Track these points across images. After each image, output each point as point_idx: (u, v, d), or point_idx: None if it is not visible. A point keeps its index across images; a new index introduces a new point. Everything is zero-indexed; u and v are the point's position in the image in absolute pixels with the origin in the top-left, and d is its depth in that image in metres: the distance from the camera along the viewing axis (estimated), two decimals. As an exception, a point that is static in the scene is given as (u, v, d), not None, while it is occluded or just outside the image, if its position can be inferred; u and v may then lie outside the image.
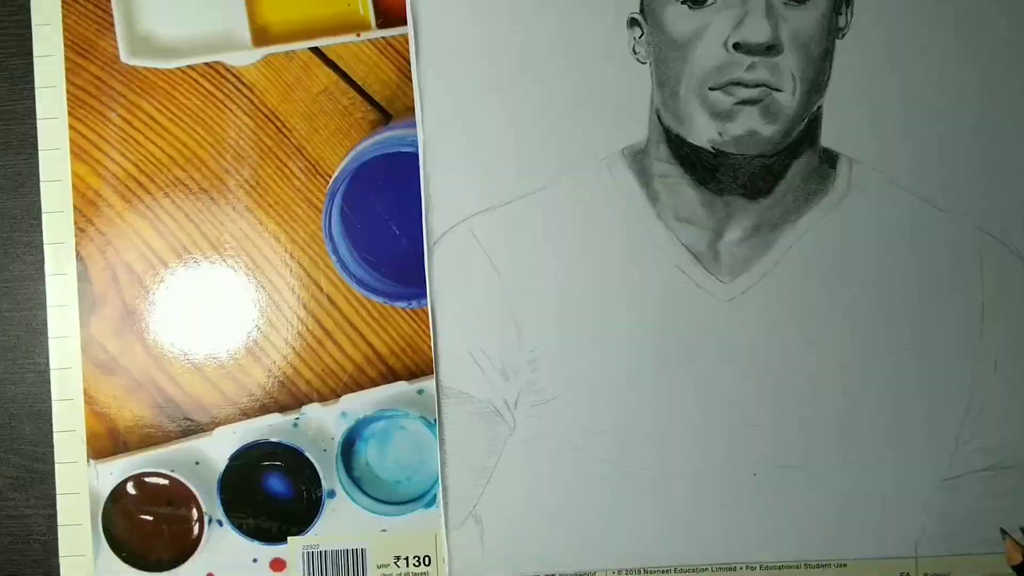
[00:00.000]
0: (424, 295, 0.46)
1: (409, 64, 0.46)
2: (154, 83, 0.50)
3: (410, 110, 0.50)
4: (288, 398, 0.50)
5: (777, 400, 0.45)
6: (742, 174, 0.44)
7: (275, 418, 0.50)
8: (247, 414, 0.50)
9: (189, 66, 0.50)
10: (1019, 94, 0.43)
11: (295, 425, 0.50)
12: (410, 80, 0.47)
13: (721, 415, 0.45)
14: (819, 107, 0.44)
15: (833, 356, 0.44)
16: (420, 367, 0.48)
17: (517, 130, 0.45)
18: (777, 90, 0.43)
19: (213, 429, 0.50)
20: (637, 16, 0.44)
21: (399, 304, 0.48)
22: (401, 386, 0.49)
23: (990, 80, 0.43)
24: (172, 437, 0.51)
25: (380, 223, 0.48)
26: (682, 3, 0.43)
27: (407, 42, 0.46)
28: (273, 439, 0.49)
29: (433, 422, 0.47)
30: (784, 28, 0.43)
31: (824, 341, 0.44)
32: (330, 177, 0.49)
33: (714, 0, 0.43)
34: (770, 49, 0.42)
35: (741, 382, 0.45)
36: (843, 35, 0.43)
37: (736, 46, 0.43)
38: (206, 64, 0.50)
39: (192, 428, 0.51)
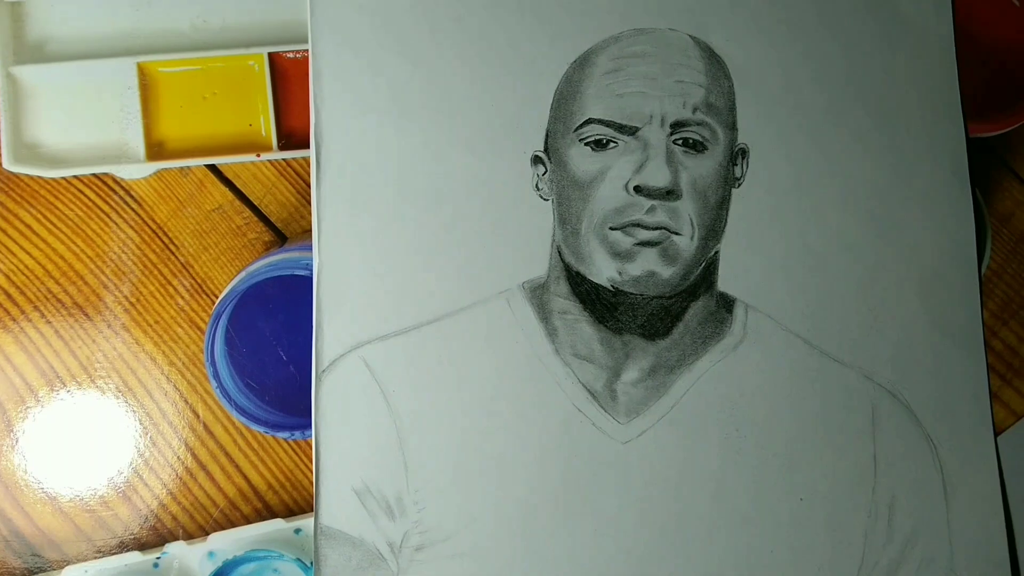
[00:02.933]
0: (308, 425, 0.44)
1: (308, 187, 0.45)
2: (35, 191, 0.48)
3: (307, 233, 0.49)
4: (150, 534, 0.46)
5: (672, 550, 0.43)
6: (640, 314, 0.44)
7: (133, 557, 0.46)
8: (102, 552, 0.46)
9: (75, 176, 0.49)
10: (907, 251, 0.45)
11: (156, 565, 0.46)
12: (308, 203, 0.46)
13: (617, 565, 0.43)
14: (716, 252, 0.44)
15: (728, 504, 0.44)
16: (299, 504, 0.46)
17: (416, 260, 0.44)
18: (676, 233, 0.44)
19: (62, 568, 0.46)
20: (541, 154, 0.44)
21: (281, 435, 0.45)
22: (277, 524, 0.46)
23: (881, 235, 0.45)
24: (16, 575, 0.46)
25: (267, 348, 0.46)
26: (585, 145, 0.44)
27: (308, 165, 0.46)
28: (129, 581, 0.45)
29: (309, 565, 0.44)
30: (683, 175, 0.44)
31: (718, 489, 0.44)
32: (217, 297, 0.47)
33: (616, 144, 0.44)
34: (669, 194, 0.43)
35: (637, 530, 0.43)
36: (739, 184, 0.45)
37: (637, 189, 0.43)
38: (94, 175, 0.49)
39: (39, 566, 0.46)
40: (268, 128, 0.49)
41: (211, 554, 0.46)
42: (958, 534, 0.44)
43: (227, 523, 0.47)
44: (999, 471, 0.44)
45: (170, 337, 0.47)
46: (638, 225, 0.43)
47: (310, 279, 0.43)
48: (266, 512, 0.47)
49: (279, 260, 0.46)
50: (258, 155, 0.48)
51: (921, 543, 0.44)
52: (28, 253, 0.48)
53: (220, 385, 0.45)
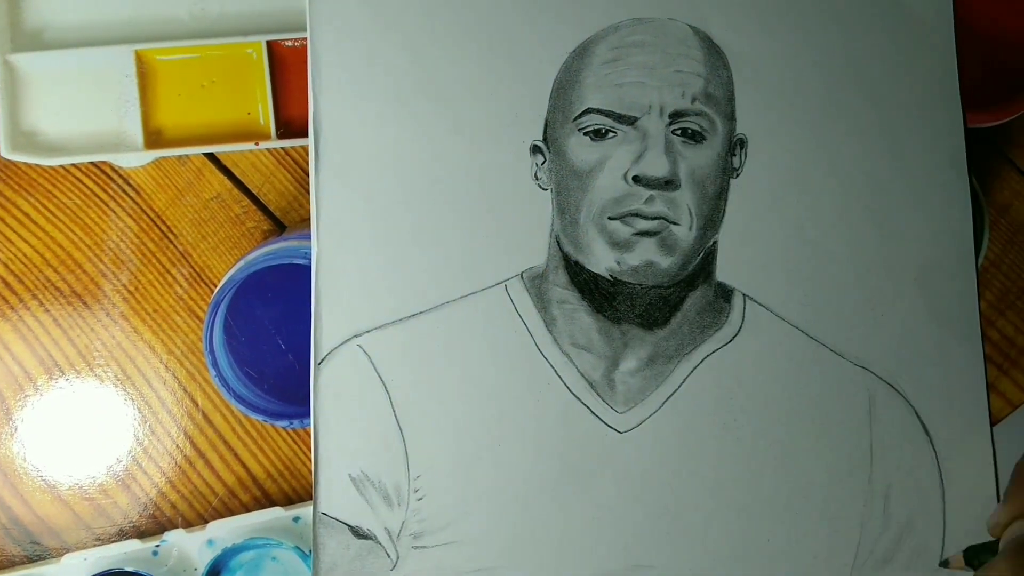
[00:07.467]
0: (307, 414, 0.44)
1: (307, 175, 0.45)
2: (33, 180, 0.48)
3: (305, 222, 0.49)
4: (149, 523, 0.46)
5: (669, 538, 0.43)
6: (639, 303, 0.44)
7: (133, 545, 0.46)
8: (102, 539, 0.46)
9: (73, 164, 0.48)
10: (905, 241, 0.45)
11: (155, 553, 0.46)
12: (307, 191, 0.46)
13: (615, 553, 0.43)
14: (714, 242, 0.44)
15: (725, 493, 0.44)
16: (298, 492, 0.46)
17: (415, 248, 0.44)
18: (674, 223, 0.43)
19: (61, 556, 0.46)
20: (540, 144, 0.44)
21: (280, 423, 0.45)
22: (276, 512, 0.46)
23: (879, 225, 0.45)
24: (16, 563, 0.46)
25: (265, 336, 0.46)
26: (584, 135, 0.44)
27: (307, 153, 0.46)
28: (128, 568, 0.45)
29: (308, 553, 0.44)
30: (682, 165, 0.44)
31: (715, 478, 0.44)
32: (215, 286, 0.47)
33: (615, 134, 0.44)
34: (668, 184, 0.43)
35: (634, 519, 0.43)
36: (737, 175, 0.45)
37: (636, 179, 0.43)
38: (92, 163, 0.49)
39: (38, 553, 0.46)
40: (267, 116, 0.49)
41: (210, 542, 0.46)
42: (953, 523, 0.44)
43: (226, 511, 0.47)
44: (994, 461, 0.44)
45: (169, 326, 0.47)
46: (637, 215, 0.43)
47: (309, 268, 0.43)
48: (265, 500, 0.47)
49: (278, 249, 0.46)
50: (256, 143, 0.48)
51: (916, 532, 0.44)
52: (26, 242, 0.48)
53: (219, 374, 0.45)
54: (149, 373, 0.47)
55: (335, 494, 0.43)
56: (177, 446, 0.47)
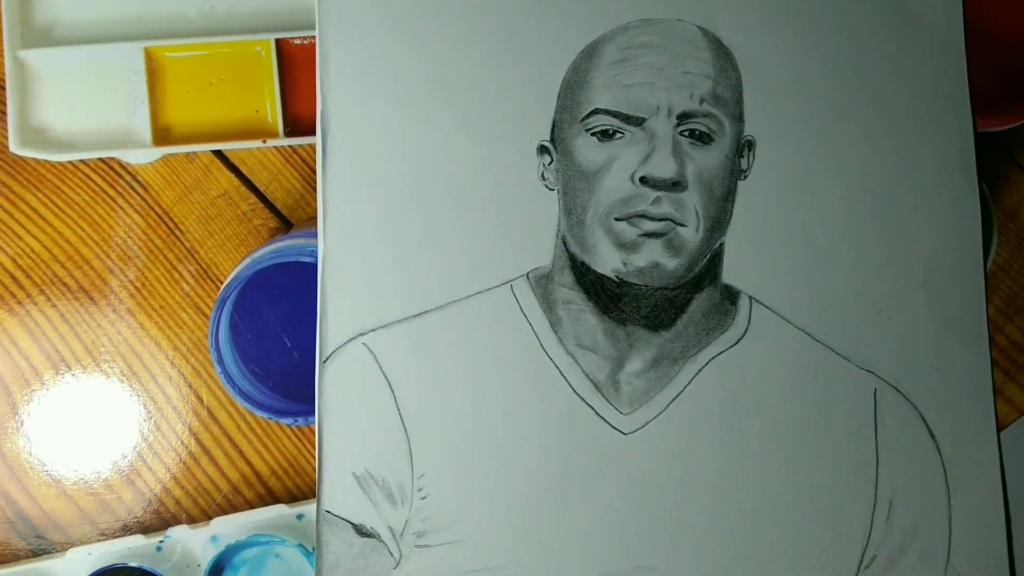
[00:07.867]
0: (312, 412, 0.44)
1: (314, 173, 0.45)
2: (42, 175, 0.48)
3: (312, 220, 0.49)
4: (154, 518, 0.46)
5: (673, 541, 0.43)
6: (645, 305, 0.44)
7: (137, 540, 0.46)
8: (106, 535, 0.46)
9: (82, 160, 0.49)
10: (913, 245, 0.45)
11: (159, 549, 0.46)
12: (314, 190, 0.46)
13: (618, 555, 0.43)
14: (721, 244, 0.44)
15: (729, 496, 0.44)
16: (302, 490, 0.46)
17: (421, 248, 0.44)
18: (681, 225, 0.43)
19: (66, 550, 0.46)
20: (547, 144, 0.44)
21: (284, 421, 0.45)
22: (280, 509, 0.46)
23: (887, 229, 0.45)
24: (20, 556, 0.46)
25: (271, 334, 0.46)
26: (591, 135, 0.44)
27: (314, 152, 0.46)
28: (132, 564, 0.45)
29: (311, 551, 0.44)
30: (689, 166, 0.44)
31: (720, 481, 0.44)
32: (222, 283, 0.47)
33: (622, 134, 0.44)
34: (675, 185, 0.43)
35: (638, 521, 0.43)
36: (745, 177, 0.45)
37: (643, 180, 0.43)
38: (100, 160, 0.49)
39: (43, 548, 0.46)
40: (275, 114, 0.49)
41: (214, 538, 0.46)
42: (958, 529, 0.44)
43: (230, 508, 0.47)
44: (1001, 467, 0.44)
45: (175, 322, 0.47)
46: (643, 216, 0.43)
47: (315, 266, 0.43)
48: (269, 498, 0.47)
49: (284, 247, 0.46)
50: (264, 141, 0.48)
51: (921, 537, 0.44)
52: (34, 237, 0.48)
53: (224, 371, 0.45)
54: (155, 369, 0.47)
55: (339, 492, 0.43)
56: (182, 442, 0.47)
